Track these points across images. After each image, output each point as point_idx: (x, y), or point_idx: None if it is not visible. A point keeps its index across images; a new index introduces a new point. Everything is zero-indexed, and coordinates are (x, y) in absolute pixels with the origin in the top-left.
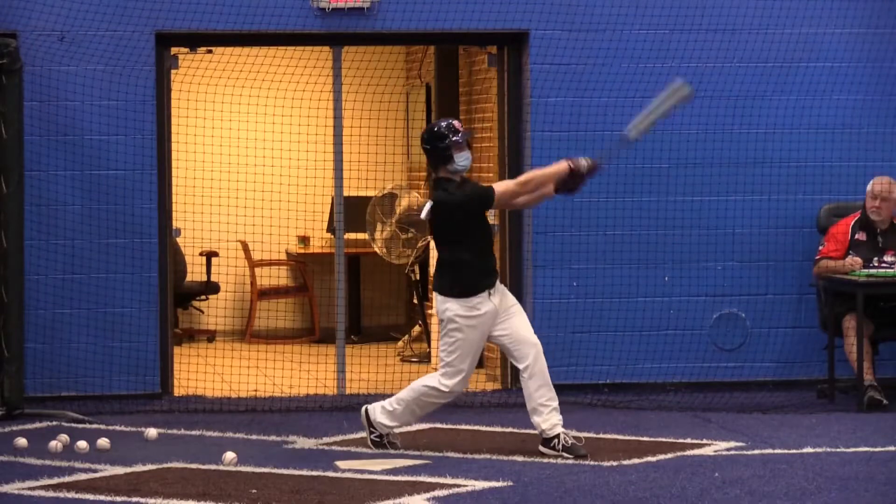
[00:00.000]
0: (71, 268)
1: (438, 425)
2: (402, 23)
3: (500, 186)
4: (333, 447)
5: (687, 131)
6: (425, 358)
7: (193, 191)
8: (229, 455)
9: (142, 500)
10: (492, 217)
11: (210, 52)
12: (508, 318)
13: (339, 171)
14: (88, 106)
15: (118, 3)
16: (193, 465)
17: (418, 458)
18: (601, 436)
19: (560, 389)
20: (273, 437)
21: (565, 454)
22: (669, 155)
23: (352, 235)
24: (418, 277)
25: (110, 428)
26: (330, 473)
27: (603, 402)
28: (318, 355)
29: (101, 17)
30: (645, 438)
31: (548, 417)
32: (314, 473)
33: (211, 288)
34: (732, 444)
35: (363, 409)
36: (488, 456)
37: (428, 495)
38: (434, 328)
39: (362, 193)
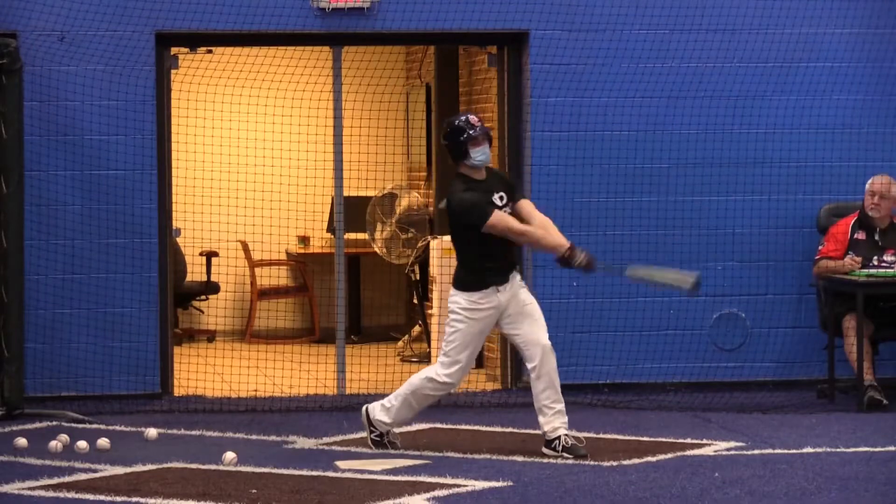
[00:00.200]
0: (71, 268)
1: (438, 425)
2: (402, 23)
3: (500, 220)
4: (333, 447)
5: (687, 131)
6: (425, 358)
7: (193, 191)
8: (229, 455)
9: (142, 500)
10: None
11: (210, 52)
12: (522, 317)
13: (339, 171)
14: (88, 106)
15: (118, 3)
16: (193, 465)
17: (418, 458)
18: (601, 436)
19: (560, 389)
20: (273, 437)
21: (565, 454)
22: (669, 155)
23: (352, 235)
24: (418, 277)
25: (110, 428)
26: (330, 473)
27: (603, 402)
28: (318, 355)
29: (101, 17)
30: (645, 438)
31: (550, 420)
32: (314, 473)
33: (211, 288)
34: (732, 444)
35: (363, 408)
36: (488, 456)
37: (428, 495)
38: (434, 328)
39: (362, 193)
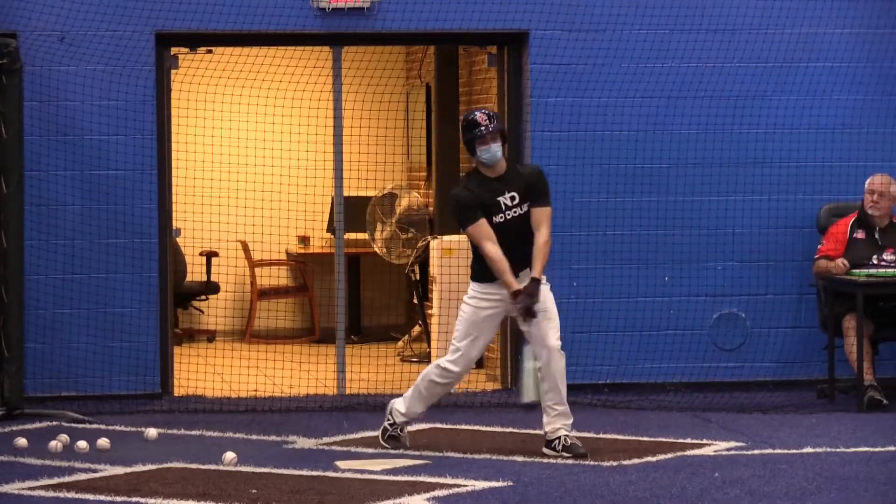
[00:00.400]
0: (71, 268)
1: (438, 425)
2: (402, 23)
3: (476, 233)
4: (333, 447)
5: (687, 131)
6: (425, 358)
7: (193, 191)
8: (229, 455)
9: (142, 500)
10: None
11: (210, 52)
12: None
13: (339, 171)
14: (88, 106)
15: (118, 3)
16: (193, 465)
17: (418, 458)
18: (601, 436)
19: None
20: (273, 437)
21: (564, 454)
22: (669, 155)
23: (352, 235)
24: (418, 277)
25: (110, 428)
26: (330, 473)
27: (603, 402)
28: (318, 355)
29: (101, 17)
30: (645, 438)
31: (552, 420)
32: (314, 473)
33: (211, 288)
34: (732, 444)
35: (390, 402)
36: (488, 456)
37: (428, 495)
38: (434, 328)
39: (362, 193)
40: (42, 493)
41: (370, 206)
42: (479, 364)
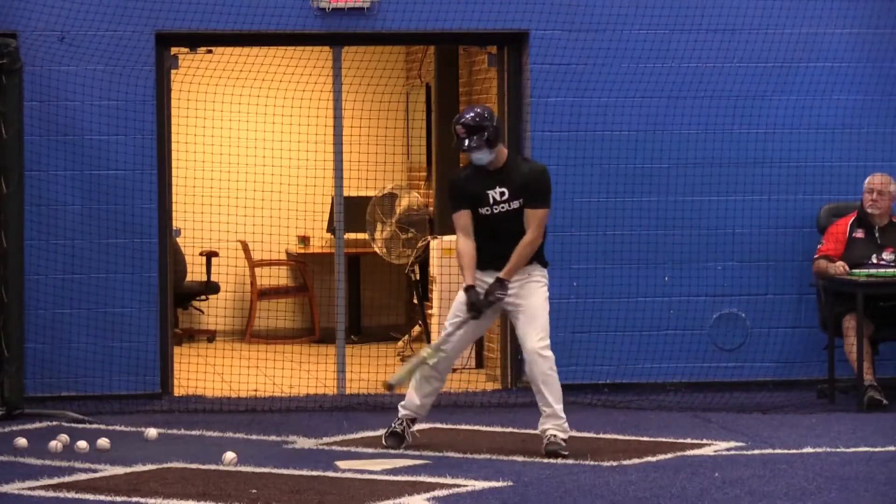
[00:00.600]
0: (71, 268)
1: (438, 425)
2: (402, 23)
3: (456, 223)
4: (333, 447)
5: (687, 131)
6: None
7: (193, 191)
8: (229, 455)
9: (142, 500)
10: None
11: (210, 52)
12: (516, 313)
13: (339, 171)
14: (88, 106)
15: (118, 3)
16: (193, 465)
17: (418, 458)
18: (601, 436)
19: (557, 391)
20: (273, 437)
21: (547, 456)
22: (669, 155)
23: (352, 235)
24: (418, 277)
25: (110, 428)
26: (330, 473)
27: (603, 402)
28: (318, 355)
29: (101, 17)
30: (645, 438)
31: (542, 421)
32: (314, 473)
33: (211, 288)
34: (732, 444)
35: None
36: (488, 456)
37: (428, 495)
38: (434, 328)
39: (362, 193)
40: (42, 493)
41: (370, 206)
42: (479, 364)
